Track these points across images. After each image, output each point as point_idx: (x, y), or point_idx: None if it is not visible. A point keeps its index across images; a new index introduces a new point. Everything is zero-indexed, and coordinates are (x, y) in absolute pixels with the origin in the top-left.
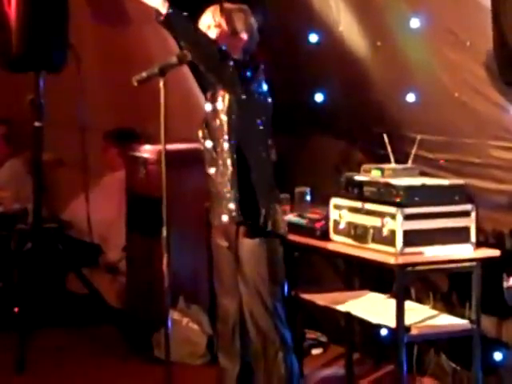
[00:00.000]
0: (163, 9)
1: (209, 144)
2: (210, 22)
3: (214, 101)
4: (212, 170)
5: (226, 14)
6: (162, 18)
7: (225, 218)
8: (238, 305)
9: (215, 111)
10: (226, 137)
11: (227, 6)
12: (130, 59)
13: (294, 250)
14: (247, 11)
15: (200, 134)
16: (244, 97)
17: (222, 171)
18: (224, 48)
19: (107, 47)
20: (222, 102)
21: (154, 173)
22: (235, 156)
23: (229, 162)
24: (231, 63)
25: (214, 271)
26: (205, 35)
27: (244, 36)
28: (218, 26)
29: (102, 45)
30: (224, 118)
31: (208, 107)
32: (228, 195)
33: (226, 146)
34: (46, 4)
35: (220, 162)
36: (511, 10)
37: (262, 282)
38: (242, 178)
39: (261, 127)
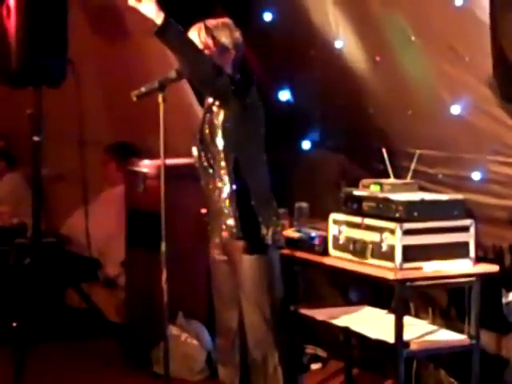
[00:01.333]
0: (158, 19)
1: (205, 161)
2: (196, 42)
3: (210, 116)
4: (209, 187)
5: (212, 33)
6: (155, 28)
7: (224, 234)
8: (237, 318)
9: (212, 127)
10: (222, 154)
11: (211, 22)
12: (129, 73)
13: (293, 264)
14: (231, 26)
15: (195, 151)
16: (239, 111)
17: (219, 187)
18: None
19: (106, 61)
20: (218, 117)
21: (153, 187)
22: (233, 172)
23: (226, 178)
24: (226, 78)
25: (212, 286)
26: (199, 50)
27: (232, 51)
28: (205, 45)
29: (101, 59)
30: (220, 133)
31: (204, 122)
32: (226, 211)
33: (222, 162)
34: (45, 19)
35: (217, 178)
36: (510, 26)
37: (261, 295)
38: (240, 193)
39: (257, 140)
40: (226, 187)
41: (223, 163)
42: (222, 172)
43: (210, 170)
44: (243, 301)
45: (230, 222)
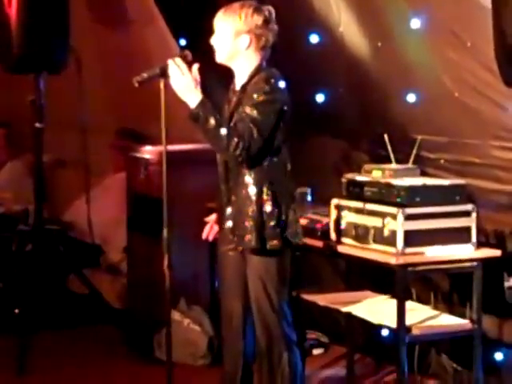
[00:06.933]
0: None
1: (224, 185)
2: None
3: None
4: (228, 210)
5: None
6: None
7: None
8: (241, 307)
9: None
10: (247, 176)
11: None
12: (130, 59)
13: (295, 250)
14: (249, 11)
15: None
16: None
17: (241, 204)
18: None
19: (108, 48)
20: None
21: (155, 173)
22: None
23: (251, 193)
24: (257, 140)
25: (219, 275)
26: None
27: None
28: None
29: (102, 46)
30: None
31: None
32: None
33: (247, 178)
34: (46, 5)
35: (237, 197)
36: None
37: (270, 281)
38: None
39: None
40: (249, 203)
41: (247, 180)
42: (243, 191)
43: (228, 193)
44: (252, 290)
45: (253, 233)
